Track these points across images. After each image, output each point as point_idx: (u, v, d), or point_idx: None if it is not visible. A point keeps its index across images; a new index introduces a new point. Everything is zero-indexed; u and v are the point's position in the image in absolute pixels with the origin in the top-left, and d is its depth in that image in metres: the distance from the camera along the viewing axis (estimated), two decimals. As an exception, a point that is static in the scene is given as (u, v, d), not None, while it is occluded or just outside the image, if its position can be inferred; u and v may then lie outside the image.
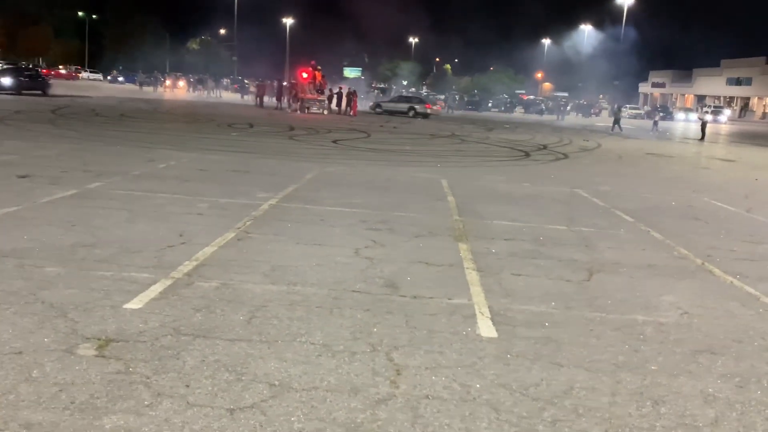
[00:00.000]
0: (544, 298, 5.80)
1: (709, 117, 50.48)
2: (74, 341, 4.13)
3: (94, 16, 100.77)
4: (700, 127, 37.62)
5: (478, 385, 3.95)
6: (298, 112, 37.35)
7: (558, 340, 4.81)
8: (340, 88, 41.57)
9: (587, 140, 29.19)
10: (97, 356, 3.95)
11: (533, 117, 58.20)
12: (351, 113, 38.11)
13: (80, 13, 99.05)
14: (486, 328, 4.91)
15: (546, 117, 58.56)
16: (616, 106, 46.66)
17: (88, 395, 3.45)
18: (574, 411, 3.73)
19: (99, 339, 4.20)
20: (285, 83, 44.56)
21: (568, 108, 64.41)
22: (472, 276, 6.27)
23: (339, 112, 38.11)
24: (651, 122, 46.31)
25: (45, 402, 3.35)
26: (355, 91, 40.93)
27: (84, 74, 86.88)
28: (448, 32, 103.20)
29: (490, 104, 70.22)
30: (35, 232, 6.76)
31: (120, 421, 3.23)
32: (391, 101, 45.64)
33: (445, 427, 3.44)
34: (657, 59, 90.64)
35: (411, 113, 41.00)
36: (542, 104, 69.39)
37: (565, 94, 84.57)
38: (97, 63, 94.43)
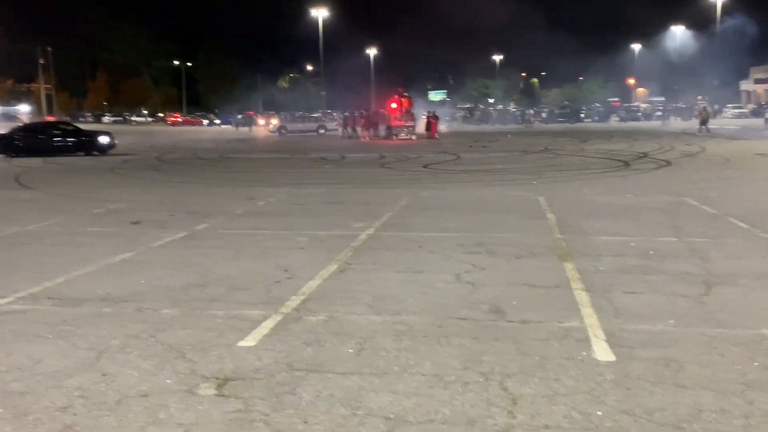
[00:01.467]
0: (660, 315, 5.53)
1: None
2: (194, 381, 4.28)
3: (188, 64, 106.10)
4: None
5: (599, 413, 3.79)
6: (388, 137, 37.80)
7: (679, 360, 4.57)
8: (427, 113, 41.82)
9: (689, 144, 27.96)
10: (217, 395, 4.07)
11: (630, 125, 56.39)
12: (432, 136, 38.20)
13: (175, 62, 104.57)
14: (602, 352, 4.73)
15: (643, 123, 56.59)
16: (702, 106, 44.52)
17: (211, 435, 3.56)
18: (706, 437, 3.52)
19: (217, 378, 4.33)
20: (364, 113, 45.27)
21: (668, 112, 62.06)
22: (581, 296, 6.08)
23: (428, 137, 38.25)
24: (760, 120, 43.84)
25: (172, 443, 3.47)
26: (435, 114, 41.16)
27: (181, 119, 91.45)
28: (533, 46, 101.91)
29: (582, 114, 68.65)
30: (150, 275, 7.10)
31: (243, 460, 3.31)
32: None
33: (569, 458, 3.31)
34: (758, 55, 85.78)
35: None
36: (638, 111, 67.18)
37: (662, 99, 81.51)
38: (193, 108, 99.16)
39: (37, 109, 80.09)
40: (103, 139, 27.78)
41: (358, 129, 42.16)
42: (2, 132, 28.86)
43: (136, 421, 3.73)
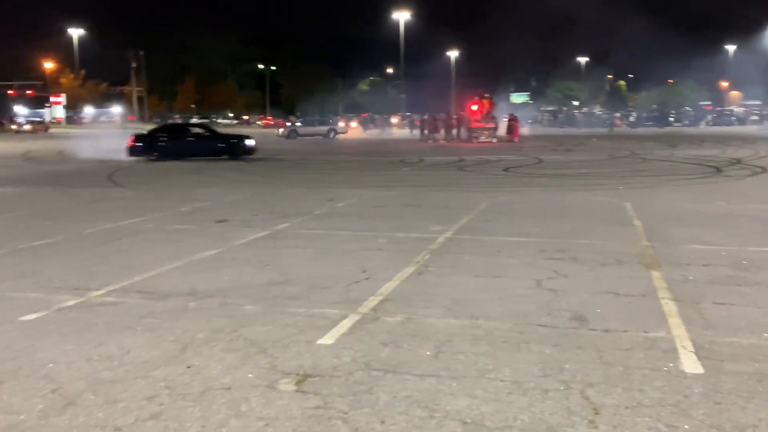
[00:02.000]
0: (754, 329, 5.26)
1: None
2: (275, 377, 4.37)
3: (272, 68, 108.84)
4: None
5: (686, 426, 3.64)
6: (468, 140, 37.61)
7: (775, 376, 4.32)
8: (509, 115, 41.40)
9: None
10: (296, 391, 4.13)
11: (723, 129, 54.03)
12: (513, 139, 37.68)
13: (260, 66, 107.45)
14: (690, 364, 4.53)
15: (736, 128, 54.10)
16: None
17: (291, 430, 3.61)
18: (805, 459, 3.31)
19: (297, 374, 4.40)
20: (442, 115, 45.06)
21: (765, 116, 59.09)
22: (669, 306, 5.84)
23: (509, 140, 37.77)
24: None
25: (253, 436, 3.55)
26: (516, 117, 40.66)
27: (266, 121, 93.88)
28: (621, 48, 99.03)
29: (671, 118, 66.27)
30: (233, 272, 7.30)
31: (321, 456, 3.34)
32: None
33: (653, 472, 3.19)
34: None
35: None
36: (732, 115, 64.31)
37: (758, 102, 77.60)
38: (275, 111, 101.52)
39: (128, 111, 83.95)
40: (250, 143, 26.82)
41: (437, 132, 42.08)
42: (142, 133, 28.12)
43: (219, 413, 3.84)
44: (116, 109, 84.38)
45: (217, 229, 10.18)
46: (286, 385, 4.22)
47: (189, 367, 4.56)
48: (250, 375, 4.40)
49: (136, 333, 5.29)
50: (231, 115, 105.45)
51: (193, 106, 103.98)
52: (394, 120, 68.60)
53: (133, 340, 5.11)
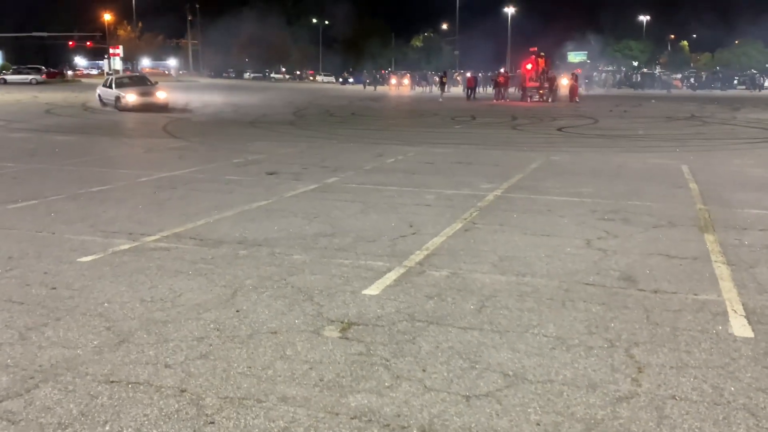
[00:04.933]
0: (811, 295, 5.10)
1: None
2: (320, 323, 4.45)
3: (326, 22, 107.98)
4: None
5: (732, 388, 3.58)
6: (522, 99, 36.97)
7: (830, 343, 4.20)
8: (571, 74, 40.49)
9: None
10: (341, 338, 4.21)
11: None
12: (575, 99, 36.80)
13: (314, 20, 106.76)
14: (740, 327, 4.44)
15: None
16: None
17: (334, 374, 3.70)
18: None
19: (342, 322, 4.48)
20: (488, 74, 44.69)
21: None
22: (722, 270, 5.71)
23: (569, 99, 36.91)
24: None
25: (298, 378, 3.64)
26: (576, 76, 39.65)
27: (319, 78, 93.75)
28: (685, 6, 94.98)
29: (735, 81, 63.73)
30: (283, 223, 7.41)
31: (364, 400, 3.41)
32: None
33: (696, 430, 3.16)
34: None
35: None
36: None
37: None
38: (329, 66, 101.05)
39: (184, 64, 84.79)
40: None
41: (482, 89, 41.80)
42: None
43: (265, 355, 3.94)
44: (172, 62, 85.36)
45: (269, 181, 10.31)
46: (331, 332, 4.30)
47: (238, 311, 4.68)
48: (296, 321, 4.49)
49: (188, 277, 5.45)
50: (283, 69, 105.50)
51: (246, 60, 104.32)
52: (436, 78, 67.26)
53: (184, 284, 5.27)
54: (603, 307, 4.81)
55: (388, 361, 3.88)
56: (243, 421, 3.21)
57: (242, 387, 3.54)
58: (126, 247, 6.36)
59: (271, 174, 10.93)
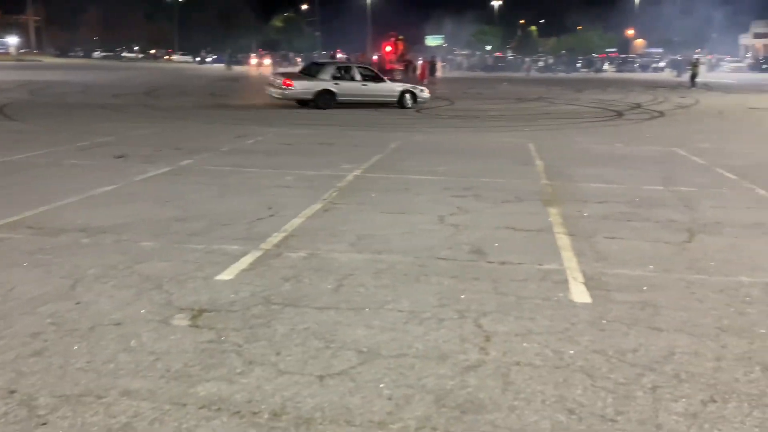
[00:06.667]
0: (641, 261, 5.53)
1: None
2: (169, 312, 4.26)
3: (180, 0, 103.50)
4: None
5: (571, 352, 3.81)
6: None
7: (656, 304, 4.58)
8: (432, 57, 41.47)
9: (684, 96, 27.76)
10: (190, 326, 4.05)
11: (626, 75, 55.87)
12: (424, 81, 37.81)
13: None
14: (579, 294, 4.73)
15: (640, 74, 56.10)
16: (695, 58, 43.72)
17: (182, 364, 3.55)
18: (676, 377, 3.54)
19: (192, 309, 4.31)
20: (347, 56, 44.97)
21: (663, 64, 61.63)
22: (563, 240, 6.06)
23: (420, 79, 37.78)
24: (757, 74, 43.43)
25: (142, 371, 3.46)
26: (431, 61, 40.82)
27: (175, 57, 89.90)
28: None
29: (579, 64, 68.09)
30: (131, 208, 7.02)
31: (213, 388, 3.30)
32: None
33: (538, 393, 3.33)
34: (759, 9, 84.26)
35: None
36: (634, 62, 66.78)
37: (660, 50, 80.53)
38: (186, 45, 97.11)
39: (26, 42, 78.48)
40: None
41: None
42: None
43: (107, 348, 3.71)
44: (12, 40, 78.50)
45: (117, 164, 9.74)
46: (180, 321, 4.12)
47: (78, 303, 4.38)
48: (142, 311, 4.27)
49: (22, 270, 5.03)
50: (136, 48, 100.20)
51: (96, 38, 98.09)
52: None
53: (19, 277, 4.86)
54: (454, 280, 4.95)
55: (240, 346, 3.78)
56: (80, 419, 3.00)
57: (80, 383, 3.31)
58: (-50, 239, 5.77)
59: (119, 157, 10.33)
